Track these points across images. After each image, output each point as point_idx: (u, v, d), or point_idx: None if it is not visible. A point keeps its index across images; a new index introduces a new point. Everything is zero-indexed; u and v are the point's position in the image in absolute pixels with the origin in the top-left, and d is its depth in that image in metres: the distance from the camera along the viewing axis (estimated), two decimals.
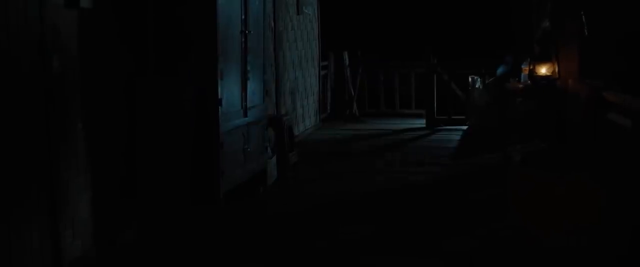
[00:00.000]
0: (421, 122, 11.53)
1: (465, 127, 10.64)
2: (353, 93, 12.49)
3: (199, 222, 5.49)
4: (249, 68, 6.01)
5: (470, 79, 11.31)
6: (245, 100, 5.99)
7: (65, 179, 4.32)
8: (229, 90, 5.60)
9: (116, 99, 5.00)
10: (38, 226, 4.03)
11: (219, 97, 5.40)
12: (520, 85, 8.26)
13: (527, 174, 4.98)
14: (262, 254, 4.93)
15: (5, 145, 3.77)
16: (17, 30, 3.86)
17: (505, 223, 5.31)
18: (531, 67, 7.63)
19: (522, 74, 8.58)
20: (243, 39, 5.90)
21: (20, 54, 3.91)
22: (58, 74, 4.24)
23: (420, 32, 11.74)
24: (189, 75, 5.40)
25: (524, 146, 6.65)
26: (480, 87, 10.88)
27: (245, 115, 6.00)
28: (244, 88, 5.95)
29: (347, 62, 12.50)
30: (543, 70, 7.33)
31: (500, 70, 10.50)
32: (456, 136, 10.32)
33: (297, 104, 10.28)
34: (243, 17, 5.88)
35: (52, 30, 4.18)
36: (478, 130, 10.27)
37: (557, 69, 7.28)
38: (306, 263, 4.76)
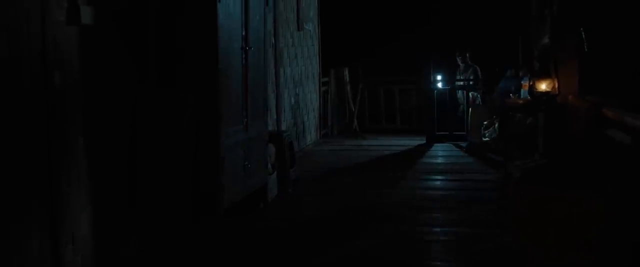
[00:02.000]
0: (422, 138, 11.54)
1: (465, 143, 10.64)
2: (353, 109, 12.51)
3: (200, 236, 5.49)
4: (249, 84, 6.03)
5: (470, 95, 11.34)
6: (246, 116, 6.00)
7: (65, 193, 4.32)
8: (229, 106, 5.62)
9: (117, 113, 5.02)
10: (38, 241, 4.03)
11: (220, 112, 5.42)
12: (521, 101, 8.28)
13: (527, 190, 4.98)
14: None
15: (6, 160, 3.78)
16: (18, 46, 3.88)
17: (505, 239, 5.31)
18: (531, 83, 7.65)
19: (522, 90, 8.60)
20: (244, 55, 5.92)
21: (22, 70, 3.93)
22: (59, 89, 4.25)
23: (421, 48, 11.76)
24: (190, 91, 5.42)
25: (524, 162, 6.65)
26: (480, 102, 10.91)
27: (246, 131, 6.01)
28: (244, 104, 5.97)
29: (347, 78, 12.53)
30: (543, 86, 7.35)
31: (501, 86, 10.53)
32: (457, 152, 10.33)
33: (297, 120, 10.29)
34: (244, 33, 5.91)
35: (54, 47, 4.19)
36: (478, 146, 10.28)
37: (557, 85, 7.30)
38: None
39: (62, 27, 4.30)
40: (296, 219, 6.40)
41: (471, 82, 11.68)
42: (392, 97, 13.15)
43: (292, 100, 10.07)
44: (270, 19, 8.23)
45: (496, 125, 10.09)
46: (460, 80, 11.87)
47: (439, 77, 11.90)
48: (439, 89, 11.79)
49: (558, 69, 7.30)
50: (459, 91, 12.00)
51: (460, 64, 11.99)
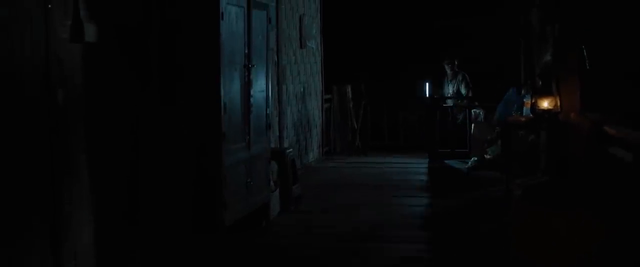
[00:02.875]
0: (424, 155, 11.54)
1: (468, 161, 10.64)
2: (356, 126, 12.53)
3: (202, 254, 5.49)
4: (252, 102, 6.05)
5: (472, 112, 11.35)
6: (249, 134, 6.02)
7: (67, 210, 4.33)
8: (232, 124, 5.63)
9: (120, 130, 5.03)
10: (40, 258, 4.04)
11: (223, 130, 5.44)
12: (523, 119, 8.28)
13: (528, 208, 4.97)
14: None
15: (9, 177, 3.79)
16: (22, 64, 3.90)
17: (507, 257, 5.30)
18: (533, 101, 7.66)
19: (525, 108, 8.60)
20: (246, 73, 5.94)
21: (26, 88, 3.95)
22: (62, 106, 4.27)
23: (425, 66, 11.80)
24: (192, 109, 5.43)
25: (526, 180, 6.64)
26: (482, 119, 10.91)
27: (249, 148, 6.02)
28: (247, 121, 5.98)
29: (350, 95, 12.55)
30: (545, 103, 7.35)
31: (503, 103, 10.53)
32: (459, 169, 10.32)
33: (300, 137, 10.30)
34: (246, 51, 5.93)
35: (57, 64, 4.21)
36: (481, 163, 10.28)
37: (559, 103, 7.30)
38: None
39: (65, 44, 4.32)
40: (298, 237, 6.40)
41: (462, 89, 11.69)
42: (394, 113, 13.16)
43: (295, 118, 10.09)
44: (272, 37, 8.26)
45: (499, 142, 10.09)
46: (450, 99, 11.88)
47: (427, 85, 11.98)
48: (427, 99, 11.88)
49: (560, 86, 7.31)
50: (450, 100, 11.98)
51: (448, 71, 11.98)
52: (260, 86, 6.32)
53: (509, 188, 7.23)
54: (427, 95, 11.95)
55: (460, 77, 11.88)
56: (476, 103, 11.47)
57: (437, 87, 12.13)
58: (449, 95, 12.01)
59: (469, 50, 12.35)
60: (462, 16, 12.45)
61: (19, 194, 3.88)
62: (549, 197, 5.10)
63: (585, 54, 6.54)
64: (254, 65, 6.05)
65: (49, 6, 4.11)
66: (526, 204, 5.03)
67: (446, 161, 11.10)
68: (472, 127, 10.94)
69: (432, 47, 12.82)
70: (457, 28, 12.74)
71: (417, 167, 10.75)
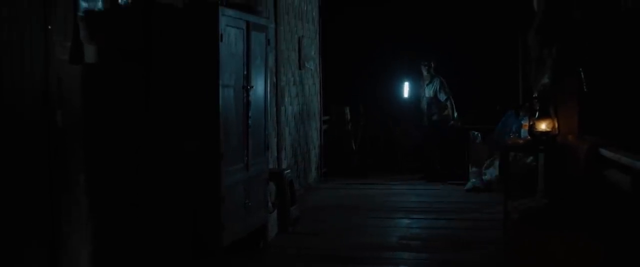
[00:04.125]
0: (422, 176, 11.54)
1: (465, 182, 10.64)
2: (354, 147, 12.53)
3: None
4: (250, 123, 6.06)
5: (471, 134, 11.34)
6: (247, 155, 6.02)
7: (66, 231, 4.33)
8: (230, 145, 5.65)
9: (118, 151, 5.04)
10: None
11: (221, 152, 5.45)
12: (521, 141, 8.29)
13: (525, 231, 4.97)
14: None
15: (8, 199, 3.79)
16: (22, 86, 3.92)
17: None
18: (531, 123, 7.67)
19: (522, 130, 8.61)
20: (245, 95, 5.96)
21: (25, 108, 3.96)
22: (62, 127, 4.28)
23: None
24: (191, 130, 5.45)
25: (524, 202, 6.65)
26: (480, 141, 10.91)
27: (247, 169, 6.03)
28: (245, 142, 5.99)
29: (348, 116, 12.56)
30: (543, 126, 7.36)
31: (500, 125, 10.55)
32: (456, 191, 10.32)
33: (298, 158, 10.31)
34: (245, 72, 5.96)
35: (57, 85, 4.23)
36: (479, 184, 10.28)
37: (556, 125, 7.32)
38: None
39: (65, 66, 4.34)
40: (296, 259, 6.39)
41: (440, 95, 11.58)
42: (393, 135, 13.15)
43: (293, 139, 10.10)
44: (271, 58, 8.30)
45: (496, 164, 10.09)
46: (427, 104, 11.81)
47: (406, 84, 11.95)
48: (406, 100, 11.87)
49: (558, 109, 7.33)
50: (424, 101, 11.83)
51: (425, 73, 11.84)
52: (258, 107, 6.34)
53: (507, 210, 7.23)
54: (406, 96, 11.99)
55: (437, 83, 11.69)
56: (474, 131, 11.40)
57: (417, 88, 12.04)
58: (426, 98, 11.77)
59: (466, 71, 12.37)
60: (460, 37, 12.47)
61: (17, 217, 3.88)
62: (546, 221, 5.10)
63: (582, 76, 6.57)
64: (252, 87, 6.07)
65: (49, 27, 4.14)
66: (524, 227, 5.03)
67: (444, 183, 11.09)
68: (471, 149, 10.94)
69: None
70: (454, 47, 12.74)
71: (415, 188, 10.75)
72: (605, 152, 5.32)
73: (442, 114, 11.71)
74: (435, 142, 11.73)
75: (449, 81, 11.84)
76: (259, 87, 6.32)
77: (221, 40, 5.40)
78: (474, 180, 10.43)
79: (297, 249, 6.77)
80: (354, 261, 6.31)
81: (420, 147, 12.26)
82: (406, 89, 12.20)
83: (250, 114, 6.06)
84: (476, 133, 11.19)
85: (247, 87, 5.98)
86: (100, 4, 4.79)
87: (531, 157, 8.59)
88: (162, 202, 5.40)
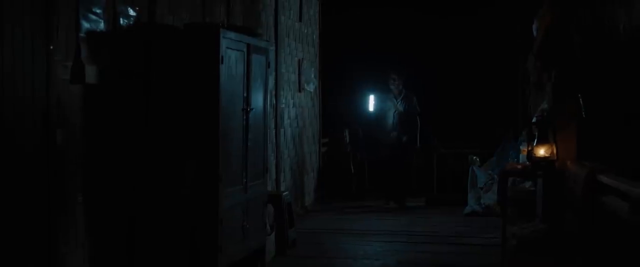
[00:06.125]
0: (421, 201, 11.52)
1: (465, 207, 10.63)
2: (353, 170, 12.51)
3: None
4: (249, 145, 6.07)
5: (469, 159, 11.34)
6: (246, 177, 6.02)
7: (62, 252, 4.32)
8: (229, 167, 5.64)
9: (117, 171, 5.04)
10: None
11: (219, 174, 5.44)
12: (519, 166, 8.29)
13: (523, 258, 4.96)
14: None
15: (6, 220, 3.79)
16: (22, 105, 3.93)
17: None
18: (530, 148, 7.68)
19: (521, 155, 8.62)
20: (245, 117, 5.97)
21: (25, 128, 3.97)
22: (61, 147, 4.29)
23: (423, 110, 11.77)
24: (190, 152, 5.44)
25: (522, 227, 6.64)
26: (479, 166, 10.91)
27: (246, 191, 6.02)
28: (244, 165, 5.99)
29: (347, 139, 12.56)
30: (541, 151, 7.36)
31: (499, 150, 10.57)
32: (455, 216, 10.29)
33: (297, 181, 10.30)
34: (245, 94, 5.97)
35: (57, 105, 4.24)
36: (477, 209, 10.27)
37: (555, 151, 7.32)
38: None
39: (65, 86, 4.35)
40: None
41: (406, 106, 11.25)
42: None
43: (292, 161, 10.10)
44: (271, 80, 8.32)
45: (495, 189, 10.08)
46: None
47: (371, 97, 11.83)
48: (372, 113, 11.75)
49: (556, 134, 7.34)
50: (390, 116, 11.49)
51: (394, 89, 11.38)
52: (258, 129, 6.34)
53: (505, 236, 7.21)
54: (371, 110, 11.88)
55: (404, 97, 11.35)
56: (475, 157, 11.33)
57: (384, 101, 11.64)
58: (396, 113, 11.44)
59: (465, 95, 12.40)
60: (460, 61, 12.49)
61: (14, 235, 3.87)
62: (544, 247, 5.09)
63: (581, 102, 6.58)
64: (252, 109, 6.08)
65: (51, 48, 4.16)
66: (521, 255, 5.02)
67: (443, 206, 11.08)
68: (469, 174, 10.93)
69: (432, 93, 12.82)
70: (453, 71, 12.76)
71: (413, 212, 10.72)
72: (603, 178, 5.32)
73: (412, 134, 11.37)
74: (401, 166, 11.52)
75: (448, 105, 11.86)
76: (258, 109, 6.32)
77: (222, 63, 5.41)
78: (472, 204, 10.42)
79: None
80: None
81: (421, 170, 12.10)
82: (371, 103, 12.00)
83: (249, 136, 6.06)
84: (475, 157, 11.19)
85: (246, 109, 5.99)
86: (101, 25, 4.81)
87: (529, 183, 8.59)
88: (159, 223, 5.39)
